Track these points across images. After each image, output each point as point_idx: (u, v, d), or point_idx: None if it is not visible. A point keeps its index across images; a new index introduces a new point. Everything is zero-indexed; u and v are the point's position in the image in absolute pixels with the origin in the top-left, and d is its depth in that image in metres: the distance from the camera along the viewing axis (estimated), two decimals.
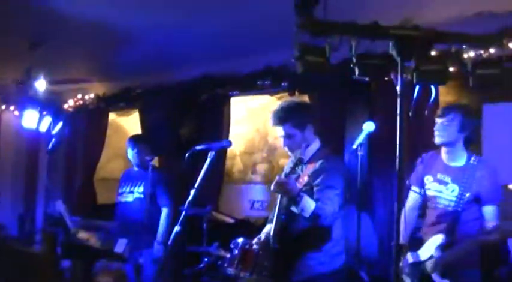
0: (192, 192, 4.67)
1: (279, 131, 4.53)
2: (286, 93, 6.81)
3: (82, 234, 5.63)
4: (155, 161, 7.48)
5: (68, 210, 6.09)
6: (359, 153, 4.18)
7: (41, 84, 6.44)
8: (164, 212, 6.47)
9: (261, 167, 7.67)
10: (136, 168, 6.76)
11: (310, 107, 4.69)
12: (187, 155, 4.77)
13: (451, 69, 4.73)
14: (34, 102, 6.56)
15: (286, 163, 4.83)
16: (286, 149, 4.62)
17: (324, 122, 6.51)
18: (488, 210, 4.46)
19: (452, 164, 4.64)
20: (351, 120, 6.30)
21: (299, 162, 4.43)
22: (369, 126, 4.24)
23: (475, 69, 3.82)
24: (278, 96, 7.02)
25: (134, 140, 6.84)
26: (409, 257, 4.58)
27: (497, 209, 4.41)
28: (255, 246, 4.59)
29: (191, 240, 6.55)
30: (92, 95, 8.45)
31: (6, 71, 7.04)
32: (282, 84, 6.70)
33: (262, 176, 7.64)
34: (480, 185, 4.48)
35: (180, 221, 4.69)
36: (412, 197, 4.84)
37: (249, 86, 7.07)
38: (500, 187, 4.47)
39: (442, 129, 4.57)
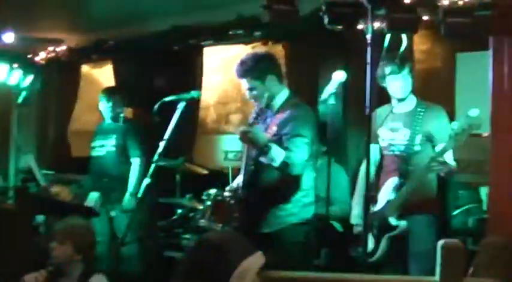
0: (162, 143, 4.66)
1: (244, 83, 4.52)
2: (260, 43, 6.75)
3: (54, 189, 5.60)
4: (130, 114, 7.44)
5: (38, 164, 6.05)
6: (330, 103, 4.13)
7: (8, 37, 6.32)
8: (135, 163, 6.41)
9: (235, 117, 7.62)
10: (108, 121, 6.70)
11: (270, 57, 4.60)
12: (155, 106, 4.74)
13: (425, 17, 4.71)
14: (2, 55, 6.43)
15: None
16: (252, 101, 4.61)
17: (297, 71, 6.51)
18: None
19: (402, 111, 4.67)
20: (325, 70, 6.24)
21: (261, 112, 4.44)
22: (339, 76, 4.17)
23: (446, 18, 3.79)
24: (252, 45, 6.93)
25: (107, 92, 6.78)
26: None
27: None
28: (226, 195, 4.59)
29: (164, 192, 6.56)
30: (64, 47, 8.32)
31: None
32: (255, 33, 6.62)
33: (236, 126, 7.60)
34: (430, 126, 4.53)
35: (150, 173, 4.68)
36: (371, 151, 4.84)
37: (222, 36, 6.97)
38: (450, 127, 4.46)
39: (403, 82, 4.58)
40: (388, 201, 4.51)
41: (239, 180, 4.66)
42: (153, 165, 4.77)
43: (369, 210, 4.14)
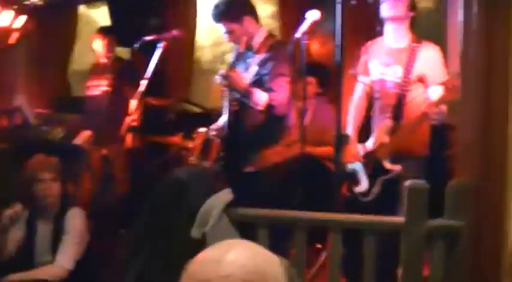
0: (144, 82, 4.70)
1: (220, 28, 4.52)
2: None
3: (44, 127, 5.67)
4: (126, 54, 7.45)
5: (27, 104, 6.11)
6: (303, 42, 4.13)
7: None
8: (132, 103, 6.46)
9: (230, 57, 7.62)
10: (103, 60, 6.73)
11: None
12: (136, 45, 4.77)
13: None
14: None
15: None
16: (232, 44, 4.62)
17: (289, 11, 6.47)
18: (433, 91, 4.39)
19: (395, 46, 4.55)
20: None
21: (240, 53, 4.45)
22: (312, 15, 4.15)
23: None
24: None
25: (102, 31, 6.80)
26: (360, 148, 4.63)
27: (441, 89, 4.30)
28: (212, 134, 4.65)
29: (159, 131, 6.63)
30: None
31: None
32: None
33: None
34: (424, 66, 4.43)
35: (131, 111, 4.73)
36: (361, 87, 4.80)
37: None
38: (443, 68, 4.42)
39: (391, 2, 4.41)
40: (382, 144, 4.50)
41: (223, 119, 4.71)
42: (133, 102, 4.79)
43: (340, 150, 4.15)
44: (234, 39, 4.53)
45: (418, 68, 4.43)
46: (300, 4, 6.36)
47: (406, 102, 4.46)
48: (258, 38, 4.51)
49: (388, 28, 4.55)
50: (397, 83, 4.48)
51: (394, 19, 4.47)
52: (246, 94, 4.26)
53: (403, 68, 4.45)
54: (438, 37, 5.66)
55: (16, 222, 4.29)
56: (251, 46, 4.50)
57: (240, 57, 4.54)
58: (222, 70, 4.37)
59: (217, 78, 4.32)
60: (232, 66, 4.42)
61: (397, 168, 4.44)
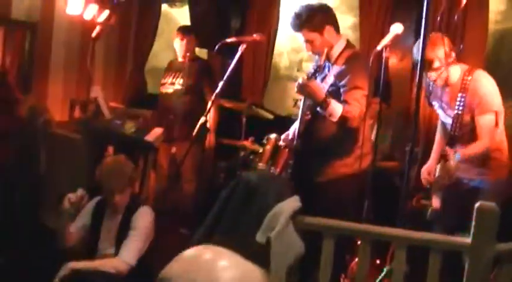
0: (220, 84, 4.71)
1: (300, 37, 4.49)
2: None
3: (117, 121, 5.73)
4: (204, 55, 7.50)
5: (103, 96, 6.18)
6: (384, 55, 4.06)
7: None
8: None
9: (308, 66, 7.61)
10: (181, 60, 6.78)
11: (325, 9, 4.54)
12: (216, 47, 4.78)
13: None
14: None
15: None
16: (310, 53, 4.59)
17: (369, 21, 6.40)
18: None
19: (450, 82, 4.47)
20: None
21: (319, 68, 4.42)
22: (396, 28, 4.08)
23: None
24: None
25: (182, 30, 6.86)
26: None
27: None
28: (282, 143, 4.63)
29: (229, 133, 6.65)
30: None
31: None
32: None
33: None
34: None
35: (206, 111, 4.76)
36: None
37: None
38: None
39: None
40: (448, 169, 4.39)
41: (295, 128, 4.67)
42: (209, 104, 4.83)
43: (411, 166, 4.07)
44: (313, 49, 4.49)
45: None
46: (380, 16, 6.31)
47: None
48: (337, 49, 4.47)
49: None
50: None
51: None
52: (322, 104, 4.22)
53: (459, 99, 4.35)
54: None
55: (80, 208, 4.35)
56: (330, 56, 4.45)
57: (319, 69, 4.48)
58: (301, 78, 4.32)
59: (296, 86, 4.29)
60: (310, 78, 4.36)
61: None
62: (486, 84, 4.34)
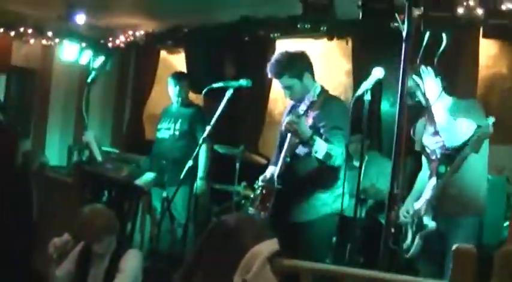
0: (208, 128, 4.77)
1: (278, 83, 4.57)
2: (325, 38, 6.78)
3: (108, 165, 5.77)
4: (199, 101, 7.56)
5: (98, 141, 6.22)
6: (365, 99, 4.13)
7: (80, 19, 6.53)
8: (203, 148, 6.51)
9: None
10: (176, 105, 6.86)
11: (305, 56, 4.64)
12: (204, 91, 4.86)
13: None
14: (74, 35, 6.66)
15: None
16: (288, 99, 4.67)
17: (362, 67, 6.47)
18: None
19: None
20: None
21: (294, 108, 4.51)
22: (377, 72, 4.16)
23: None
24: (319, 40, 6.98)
25: (175, 77, 6.95)
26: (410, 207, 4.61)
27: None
28: (260, 185, 4.66)
29: (223, 178, 6.68)
30: (142, 32, 8.53)
31: (49, 5, 7.12)
32: (321, 28, 6.64)
33: None
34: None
35: (193, 156, 4.80)
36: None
37: (289, 29, 7.02)
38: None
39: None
40: (427, 200, 4.47)
41: (271, 169, 4.75)
42: (197, 149, 4.88)
43: (392, 209, 4.09)
44: (292, 95, 4.62)
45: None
46: (372, 61, 6.39)
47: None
48: (313, 92, 4.58)
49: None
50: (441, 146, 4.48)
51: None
52: (310, 142, 4.27)
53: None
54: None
55: (65, 253, 4.36)
56: (304, 99, 4.56)
57: (294, 108, 4.58)
58: (291, 116, 4.37)
59: (287, 122, 4.33)
60: (300, 116, 4.40)
61: (432, 225, 4.39)
62: None
